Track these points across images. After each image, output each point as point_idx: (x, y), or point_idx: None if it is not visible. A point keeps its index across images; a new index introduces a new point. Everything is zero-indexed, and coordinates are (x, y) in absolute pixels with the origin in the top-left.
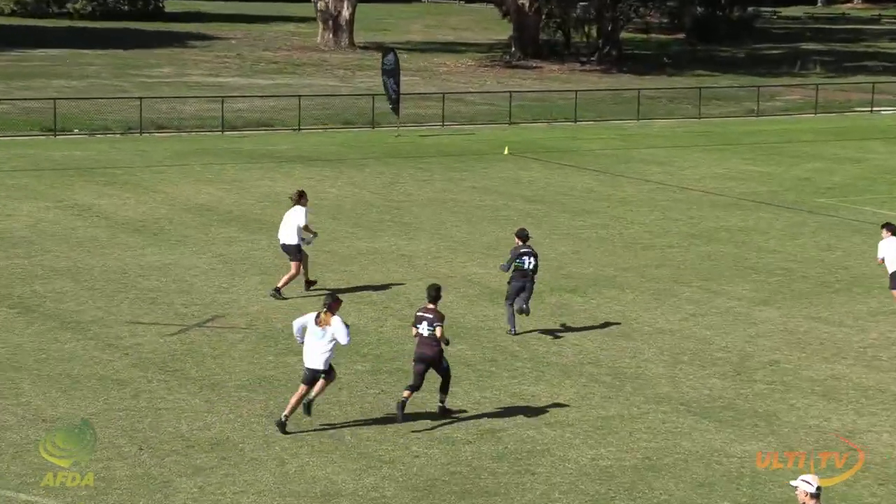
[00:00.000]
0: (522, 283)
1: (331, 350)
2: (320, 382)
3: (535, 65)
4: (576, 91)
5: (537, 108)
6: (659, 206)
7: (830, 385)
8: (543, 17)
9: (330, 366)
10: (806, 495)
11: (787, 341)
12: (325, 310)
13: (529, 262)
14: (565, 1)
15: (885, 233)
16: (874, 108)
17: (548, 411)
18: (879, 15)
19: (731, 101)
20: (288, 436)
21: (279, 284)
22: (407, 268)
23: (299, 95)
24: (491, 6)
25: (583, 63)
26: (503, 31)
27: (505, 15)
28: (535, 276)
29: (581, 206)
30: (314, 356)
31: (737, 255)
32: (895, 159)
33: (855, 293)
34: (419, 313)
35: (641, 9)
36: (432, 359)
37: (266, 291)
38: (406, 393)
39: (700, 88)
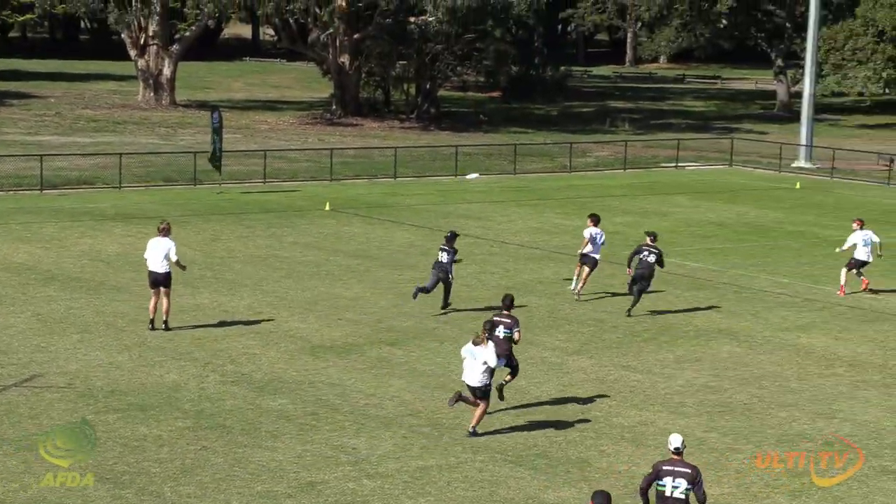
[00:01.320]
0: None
1: (485, 371)
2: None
3: (355, 122)
4: (395, 148)
5: (358, 165)
6: (476, 259)
7: (639, 431)
8: (364, 75)
9: (486, 389)
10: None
11: (599, 389)
12: (483, 332)
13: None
14: (385, 60)
15: (855, 225)
16: (678, 164)
17: (368, 463)
18: (683, 75)
19: (545, 157)
20: (107, 494)
21: (165, 318)
22: (228, 324)
23: (120, 154)
24: (312, 65)
25: (402, 120)
26: (324, 90)
27: (326, 73)
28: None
29: (402, 260)
30: (471, 375)
31: (551, 307)
32: (699, 213)
33: (662, 342)
34: (495, 318)
35: (459, 68)
36: (504, 354)
37: (84, 350)
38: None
39: (515, 145)
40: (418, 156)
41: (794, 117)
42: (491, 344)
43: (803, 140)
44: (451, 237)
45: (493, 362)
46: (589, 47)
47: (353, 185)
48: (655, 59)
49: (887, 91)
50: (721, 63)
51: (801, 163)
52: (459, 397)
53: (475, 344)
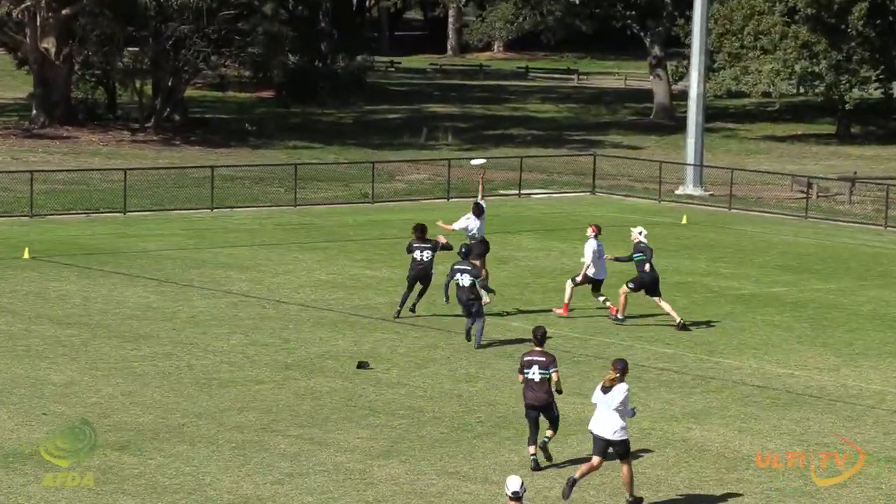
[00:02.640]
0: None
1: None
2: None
3: (66, 133)
4: (125, 170)
5: (71, 194)
6: (243, 325)
7: None
8: (77, 67)
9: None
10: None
11: None
12: (613, 371)
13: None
14: (107, 45)
15: (590, 231)
16: (522, 191)
17: None
18: (527, 68)
19: (338, 183)
20: None
21: None
22: None
23: None
24: (1, 52)
25: (134, 131)
26: (20, 87)
27: (22, 64)
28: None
29: (135, 328)
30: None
31: (349, 392)
32: (549, 259)
33: (503, 438)
34: (527, 357)
35: (214, 57)
36: (545, 404)
37: None
38: (531, 449)
39: (296, 165)
40: (158, 181)
41: (679, 126)
42: (624, 385)
43: (690, 158)
44: (466, 253)
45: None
46: (397, 30)
47: (63, 224)
48: (488, 47)
49: (801, 90)
50: (577, 52)
51: (689, 189)
52: (573, 482)
53: (605, 390)
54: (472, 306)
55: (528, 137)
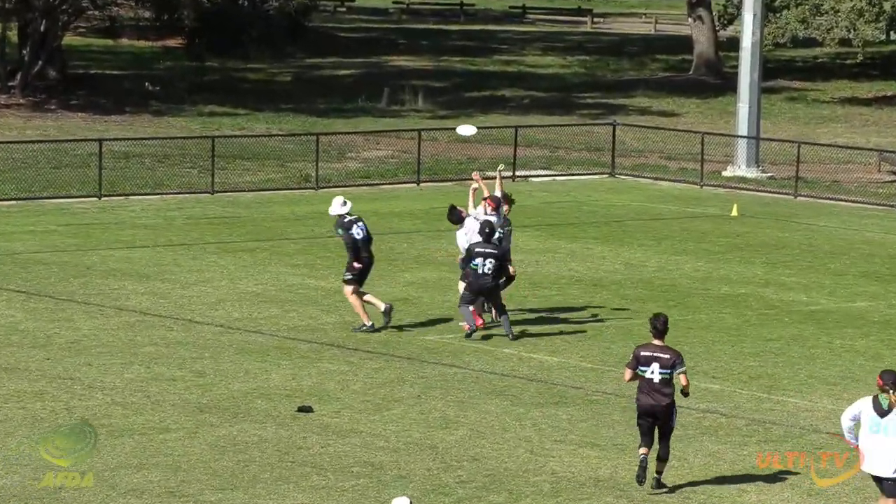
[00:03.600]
0: None
1: None
2: None
3: None
4: None
5: None
6: (142, 354)
7: None
8: None
9: None
10: None
11: None
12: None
13: None
14: None
15: (487, 208)
16: (519, 174)
17: None
18: (523, 8)
19: (271, 162)
20: None
21: None
22: None
23: None
24: None
25: None
26: None
27: None
28: None
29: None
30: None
31: (285, 443)
32: (553, 263)
33: None
34: (645, 352)
35: None
36: (664, 411)
37: None
38: (643, 450)
39: (213, 139)
40: (27, 160)
41: (727, 85)
42: None
43: (742, 128)
44: (490, 233)
45: None
46: None
47: None
48: None
49: (893, 35)
50: None
51: (741, 169)
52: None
53: (882, 414)
54: (493, 296)
55: (525, 101)
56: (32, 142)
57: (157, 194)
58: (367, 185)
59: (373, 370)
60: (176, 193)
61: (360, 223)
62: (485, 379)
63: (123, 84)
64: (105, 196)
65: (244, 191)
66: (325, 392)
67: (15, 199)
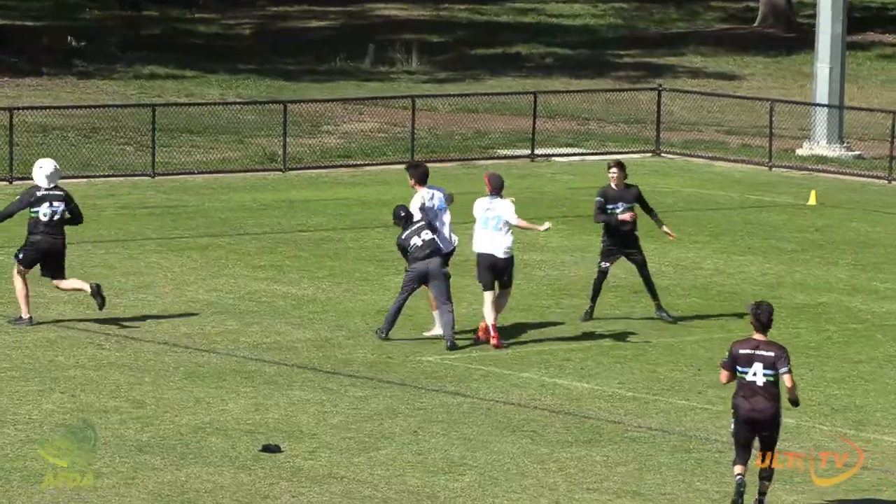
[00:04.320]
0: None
1: None
2: None
3: None
4: None
5: None
6: (64, 379)
7: None
8: None
9: None
10: None
11: None
12: None
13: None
14: None
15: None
16: (538, 152)
17: None
18: None
19: (227, 137)
20: None
21: None
22: None
23: None
24: None
25: None
26: None
27: None
28: None
29: None
30: None
31: (246, 491)
32: (582, 264)
33: None
34: (743, 350)
35: None
36: (769, 418)
37: None
38: (740, 469)
39: (153, 107)
40: None
41: (802, 39)
42: None
43: (822, 94)
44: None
45: None
46: None
47: None
48: None
49: None
50: None
51: (820, 147)
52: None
53: None
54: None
55: (547, 60)
56: None
57: (84, 177)
58: (349, 166)
59: (357, 399)
60: (107, 176)
61: (58, 204)
62: (498, 410)
63: (40, 39)
64: (17, 179)
65: (193, 173)
66: (296, 427)
67: None
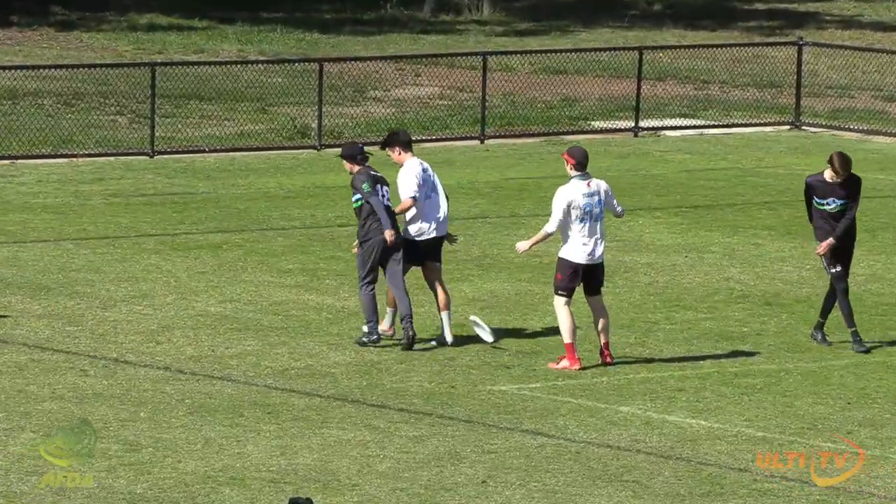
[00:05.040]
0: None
1: None
2: None
3: None
4: None
5: None
6: (39, 414)
7: None
8: None
9: None
10: None
11: None
12: None
13: None
14: None
15: (567, 167)
16: (643, 125)
17: None
18: None
19: (248, 105)
20: None
21: None
22: None
23: None
24: None
25: None
26: None
27: None
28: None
29: None
30: None
31: None
32: (700, 267)
33: None
34: None
35: None
36: None
37: None
38: None
39: (153, 66)
40: None
41: None
42: None
43: None
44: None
45: None
46: None
47: None
48: None
49: None
50: None
51: None
52: None
53: None
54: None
55: (655, 7)
56: None
57: (64, 156)
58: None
59: (410, 440)
60: (93, 156)
61: None
62: (590, 455)
63: None
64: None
65: (203, 151)
66: (333, 475)
67: None
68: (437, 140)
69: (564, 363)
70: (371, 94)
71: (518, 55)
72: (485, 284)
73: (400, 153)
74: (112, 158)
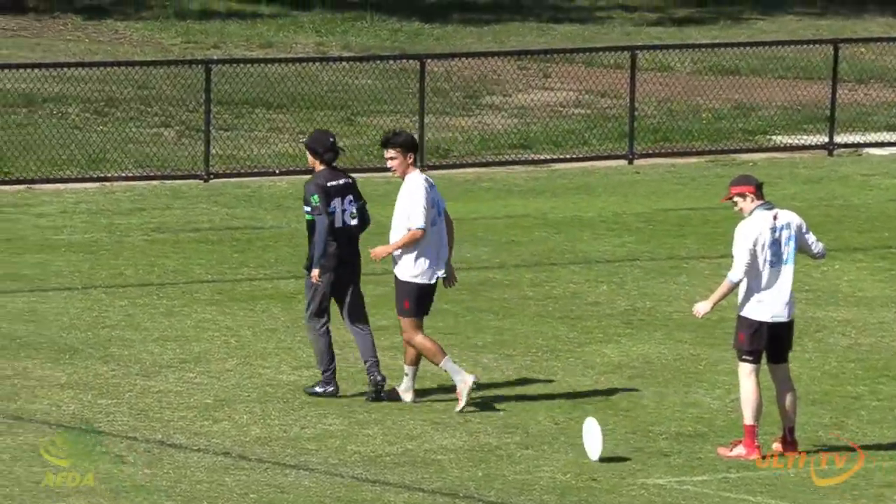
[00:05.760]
0: None
1: None
2: None
3: None
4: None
5: None
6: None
7: None
8: None
9: None
10: None
11: None
12: None
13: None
14: None
15: (745, 200)
16: (840, 140)
17: None
18: None
19: (327, 113)
20: None
21: None
22: None
23: None
24: None
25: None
26: None
27: None
28: None
29: None
30: None
31: None
32: None
33: None
34: None
35: None
36: None
37: None
38: None
39: (207, 64)
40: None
41: None
42: None
43: None
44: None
45: None
46: None
47: None
48: None
49: None
50: None
51: None
52: None
53: None
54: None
55: None
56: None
57: (95, 180)
58: (526, 162)
59: None
60: (132, 179)
61: None
62: None
63: None
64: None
65: (271, 174)
66: None
67: None
68: (572, 160)
69: (740, 450)
70: (486, 101)
71: (676, 50)
72: (635, 347)
73: (406, 161)
74: (156, 183)
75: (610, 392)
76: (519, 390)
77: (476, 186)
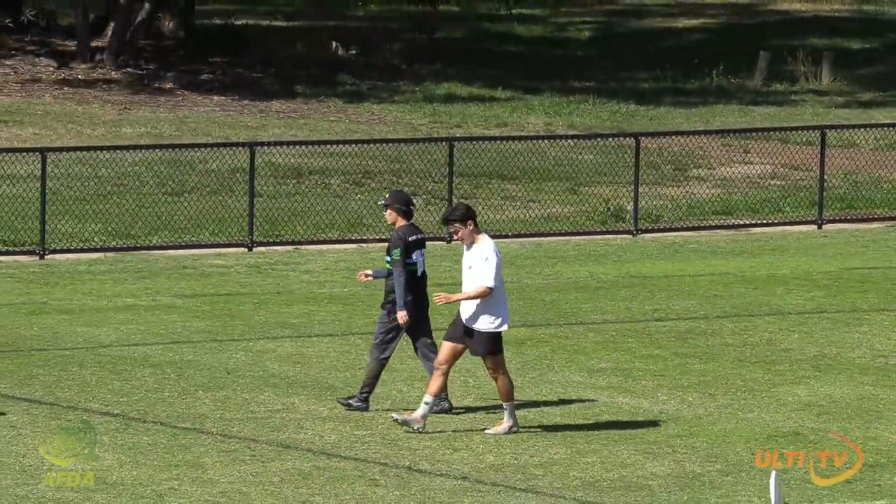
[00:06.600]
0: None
1: None
2: None
3: None
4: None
5: None
6: None
7: None
8: None
9: None
10: None
11: None
12: None
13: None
14: None
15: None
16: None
17: None
18: None
19: (555, 184)
20: None
21: None
22: None
23: None
24: None
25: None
26: None
27: None
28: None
29: None
30: None
31: None
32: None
33: None
34: None
35: None
36: None
37: None
38: None
39: (450, 141)
40: (122, 180)
41: None
42: None
43: None
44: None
45: None
46: None
47: None
48: None
49: None
50: None
51: None
52: None
53: None
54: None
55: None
56: (129, 148)
57: (353, 241)
58: (728, 226)
59: None
60: (385, 241)
61: None
62: None
63: (293, 45)
64: (258, 245)
65: (506, 236)
66: None
67: (113, 249)
68: (768, 224)
69: None
70: (693, 173)
71: (861, 129)
72: (822, 388)
73: (468, 229)
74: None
75: (800, 426)
76: (720, 425)
77: (684, 248)
